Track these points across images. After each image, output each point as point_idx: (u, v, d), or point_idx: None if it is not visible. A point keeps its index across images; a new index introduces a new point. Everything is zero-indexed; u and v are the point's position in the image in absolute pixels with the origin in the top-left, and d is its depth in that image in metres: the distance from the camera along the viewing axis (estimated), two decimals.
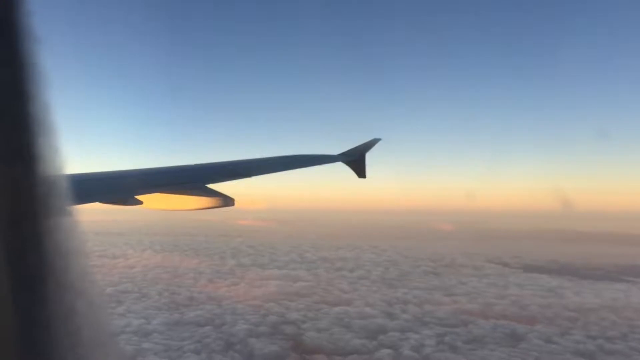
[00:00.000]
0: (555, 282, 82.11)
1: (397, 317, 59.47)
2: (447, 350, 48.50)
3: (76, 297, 2.07)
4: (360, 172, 14.44)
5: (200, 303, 64.72)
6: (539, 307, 64.27)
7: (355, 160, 14.30)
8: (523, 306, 64.94)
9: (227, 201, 8.11)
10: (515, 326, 56.01)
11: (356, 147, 14.60)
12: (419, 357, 46.93)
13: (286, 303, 64.66)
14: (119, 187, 7.93)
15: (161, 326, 55.29)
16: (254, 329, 54.43)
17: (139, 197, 7.68)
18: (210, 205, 8.05)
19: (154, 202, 7.95)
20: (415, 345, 49.83)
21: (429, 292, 71.91)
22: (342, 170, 14.27)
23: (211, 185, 8.45)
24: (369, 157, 14.51)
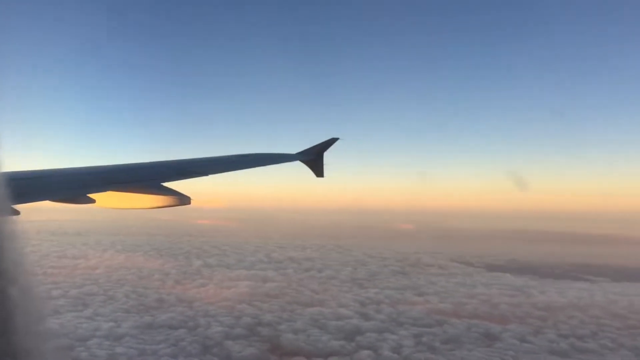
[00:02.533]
0: (520, 281, 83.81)
1: (372, 317, 59.48)
2: (427, 351, 48.72)
3: (15, 296, 2.06)
4: (318, 171, 14.61)
5: (170, 305, 63.24)
6: (508, 306, 65.35)
7: (313, 160, 14.47)
8: (493, 305, 65.98)
9: (183, 200, 7.97)
10: (488, 325, 56.82)
11: (314, 146, 14.75)
12: (399, 358, 46.94)
13: (259, 304, 63.87)
14: (70, 185, 7.55)
15: (133, 329, 53.66)
16: (230, 331, 53.46)
17: (91, 196, 7.31)
18: (165, 204, 7.87)
19: (108, 201, 7.62)
20: (394, 346, 49.88)
21: (400, 292, 72.27)
22: (300, 169, 14.36)
23: (166, 184, 8.25)
24: (327, 156, 14.69)
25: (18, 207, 5.31)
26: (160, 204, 7.80)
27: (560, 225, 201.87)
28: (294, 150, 14.95)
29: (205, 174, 9.63)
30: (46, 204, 6.59)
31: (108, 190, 7.54)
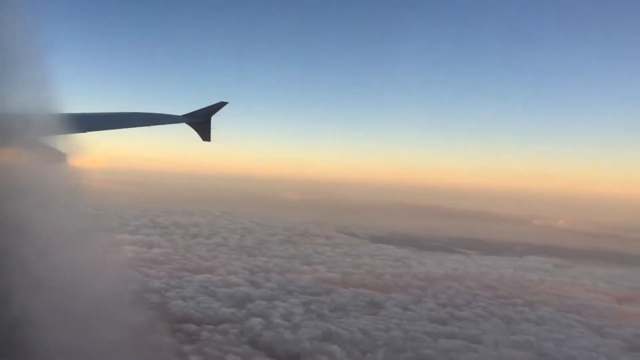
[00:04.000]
0: (401, 253, 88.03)
1: (262, 285, 59.80)
2: (316, 319, 49.84)
3: None
4: (205, 135, 14.51)
5: None
6: (391, 276, 68.42)
7: (201, 123, 14.33)
8: (378, 275, 68.77)
9: (57, 157, 7.57)
10: (373, 294, 59.21)
11: (201, 109, 14.61)
12: (289, 325, 47.64)
13: (145, 270, 61.78)
14: None
15: None
16: (115, 297, 51.30)
17: None
18: (38, 160, 7.45)
19: None
20: (284, 313, 50.51)
21: (288, 261, 73.21)
22: (186, 132, 14.16)
23: (41, 139, 7.77)
24: (214, 120, 14.56)
25: None
26: (32, 160, 7.13)
27: (435, 200, 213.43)
28: (180, 112, 14.44)
29: (85, 130, 9.00)
30: None
31: None
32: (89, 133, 8.99)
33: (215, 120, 14.60)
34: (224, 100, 15.14)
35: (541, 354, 45.04)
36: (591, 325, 53.51)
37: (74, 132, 8.67)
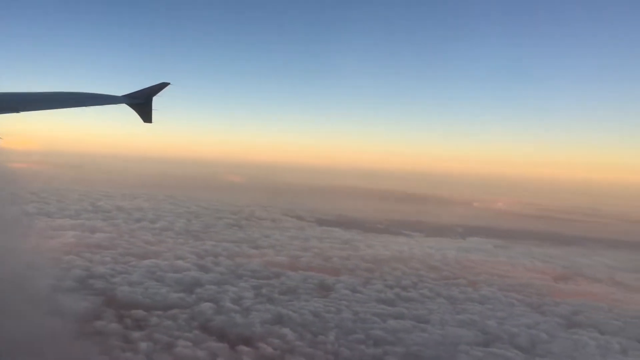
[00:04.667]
0: (348, 235, 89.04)
1: (211, 270, 59.24)
2: (266, 302, 49.80)
3: None
4: (146, 116, 14.18)
5: None
6: (339, 259, 69.12)
7: (141, 104, 13.99)
8: (326, 258, 69.34)
9: None
10: (323, 277, 59.63)
11: (142, 90, 14.24)
12: (240, 309, 47.41)
13: (88, 255, 60.01)
14: None
15: None
16: (58, 284, 49.70)
17: None
18: None
19: None
20: (235, 297, 50.21)
21: (236, 245, 72.73)
22: (126, 113, 13.83)
23: None
24: (156, 101, 14.28)
25: None
26: None
27: (378, 183, 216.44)
28: (120, 92, 13.99)
29: (17, 110, 8.58)
30: None
31: None
32: (22, 113, 8.46)
33: (156, 101, 14.08)
34: (166, 81, 14.61)
35: (485, 332, 46.58)
36: (531, 304, 55.83)
37: (6, 112, 8.17)
